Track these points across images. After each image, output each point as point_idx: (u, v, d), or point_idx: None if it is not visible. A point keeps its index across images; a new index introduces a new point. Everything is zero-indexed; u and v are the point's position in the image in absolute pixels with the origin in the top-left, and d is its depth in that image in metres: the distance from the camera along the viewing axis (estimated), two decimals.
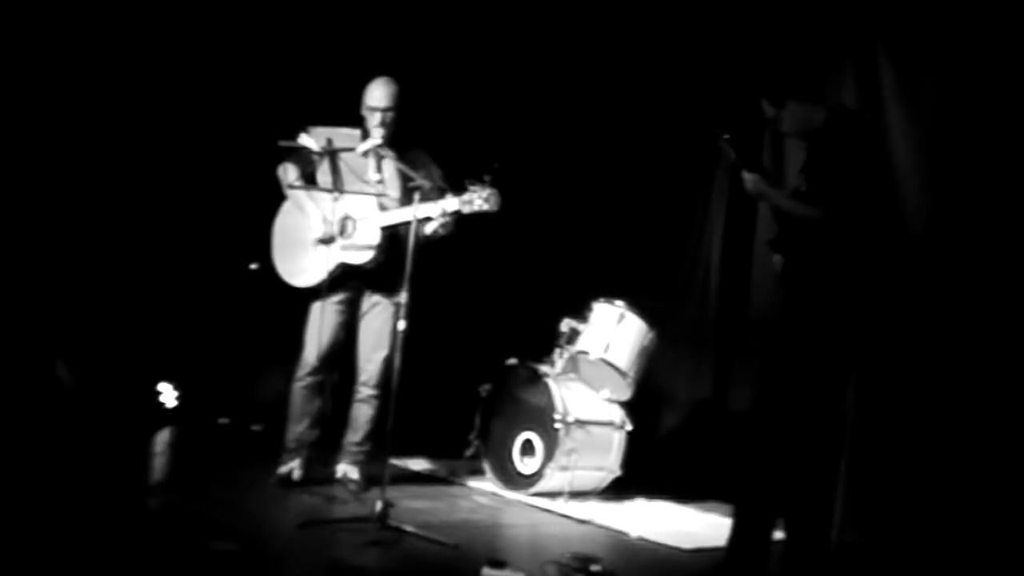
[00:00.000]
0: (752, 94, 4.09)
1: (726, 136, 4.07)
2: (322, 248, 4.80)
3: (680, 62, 6.29)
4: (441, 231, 4.69)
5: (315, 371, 4.91)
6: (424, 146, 4.96)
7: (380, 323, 4.91)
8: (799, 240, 3.86)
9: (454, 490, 5.37)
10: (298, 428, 4.92)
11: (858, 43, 5.29)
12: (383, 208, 4.79)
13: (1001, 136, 4.71)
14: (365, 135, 4.66)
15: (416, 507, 4.70)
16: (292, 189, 4.89)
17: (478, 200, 4.48)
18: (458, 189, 4.56)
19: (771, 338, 4.02)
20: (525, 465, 5.34)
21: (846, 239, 3.75)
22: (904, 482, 4.76)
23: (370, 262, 4.80)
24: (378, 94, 4.83)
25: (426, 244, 4.66)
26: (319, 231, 4.83)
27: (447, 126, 6.01)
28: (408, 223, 4.42)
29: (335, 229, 4.79)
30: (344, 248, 4.81)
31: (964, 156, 4.81)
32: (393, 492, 4.27)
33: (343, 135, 4.51)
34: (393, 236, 4.75)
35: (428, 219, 4.60)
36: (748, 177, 3.98)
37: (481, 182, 4.47)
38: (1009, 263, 4.62)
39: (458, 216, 4.59)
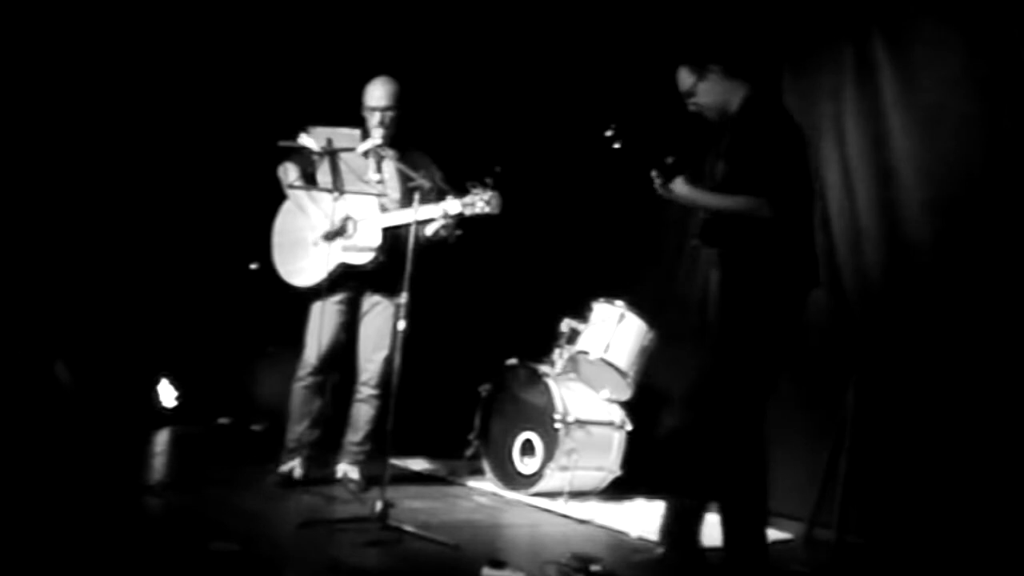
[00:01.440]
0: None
1: (610, 133, 4.04)
2: (326, 245, 4.79)
3: (678, 62, 6.28)
4: (442, 233, 4.69)
5: (315, 371, 4.91)
6: (425, 148, 4.97)
7: (381, 323, 4.91)
8: (732, 229, 3.83)
9: (454, 490, 5.37)
10: (298, 428, 4.92)
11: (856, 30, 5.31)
12: (384, 209, 4.79)
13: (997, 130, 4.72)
14: (365, 135, 4.66)
15: (416, 507, 4.70)
16: (292, 189, 4.90)
17: (480, 202, 4.48)
18: (460, 191, 4.56)
19: (701, 323, 4.00)
20: (525, 465, 5.34)
21: (777, 223, 3.71)
22: (904, 482, 4.75)
23: (371, 263, 4.80)
24: (378, 93, 4.83)
25: (427, 245, 4.67)
26: (323, 228, 4.82)
27: (449, 127, 6.02)
28: (409, 224, 4.42)
29: (338, 227, 4.79)
30: (345, 248, 4.81)
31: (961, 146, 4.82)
32: (393, 492, 4.27)
33: (343, 135, 4.51)
34: (394, 237, 4.75)
35: (429, 221, 4.60)
36: (676, 189, 3.95)
37: (483, 184, 4.48)
38: (1006, 259, 4.63)
39: (460, 218, 4.59)
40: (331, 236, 4.79)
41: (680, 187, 3.96)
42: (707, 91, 3.97)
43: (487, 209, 4.49)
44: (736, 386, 3.78)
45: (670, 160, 4.05)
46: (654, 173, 4.03)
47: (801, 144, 3.91)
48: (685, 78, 3.99)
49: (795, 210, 3.78)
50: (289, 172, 4.90)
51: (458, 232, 4.75)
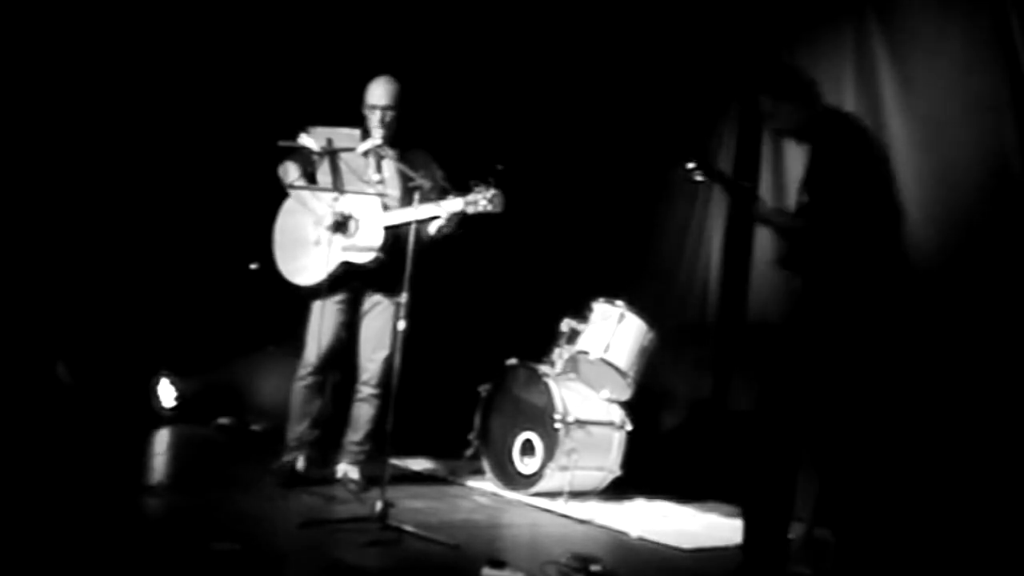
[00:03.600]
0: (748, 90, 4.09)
1: (693, 166, 4.06)
2: (327, 244, 4.79)
3: (679, 62, 6.30)
4: (445, 231, 4.69)
5: (316, 370, 4.91)
6: (427, 146, 4.96)
7: (381, 323, 4.91)
8: (806, 255, 3.85)
9: (454, 490, 5.37)
10: (299, 428, 4.92)
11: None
12: (385, 208, 4.80)
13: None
14: (365, 135, 4.66)
15: (416, 507, 4.70)
16: (293, 189, 4.90)
17: (482, 201, 4.48)
18: (462, 190, 4.56)
19: (778, 344, 4.00)
20: (525, 465, 5.34)
21: (842, 249, 3.74)
22: (897, 481, 4.76)
23: (372, 262, 4.80)
24: (378, 92, 4.83)
25: (429, 244, 4.67)
26: (329, 220, 4.80)
27: (450, 127, 6.02)
28: (410, 223, 4.42)
29: (342, 218, 4.79)
30: (346, 248, 4.82)
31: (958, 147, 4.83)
32: (393, 492, 4.27)
33: (343, 135, 4.51)
34: (395, 236, 4.75)
35: (432, 219, 4.60)
36: (758, 210, 4.01)
37: (485, 183, 4.47)
38: (999, 261, 4.64)
39: (462, 217, 4.59)
40: (337, 227, 4.78)
41: (761, 208, 4.04)
42: (782, 117, 3.99)
43: (490, 207, 4.49)
44: (789, 395, 3.79)
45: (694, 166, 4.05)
46: (691, 165, 4.04)
47: (869, 162, 3.88)
48: (764, 104, 4.01)
49: (866, 232, 3.78)
50: (289, 172, 4.90)
51: (460, 231, 4.74)
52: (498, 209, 4.50)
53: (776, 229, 4.10)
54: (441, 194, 4.65)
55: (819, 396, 3.81)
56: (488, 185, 4.48)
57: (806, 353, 3.80)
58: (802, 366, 3.80)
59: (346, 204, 4.76)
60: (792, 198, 5.04)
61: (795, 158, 5.22)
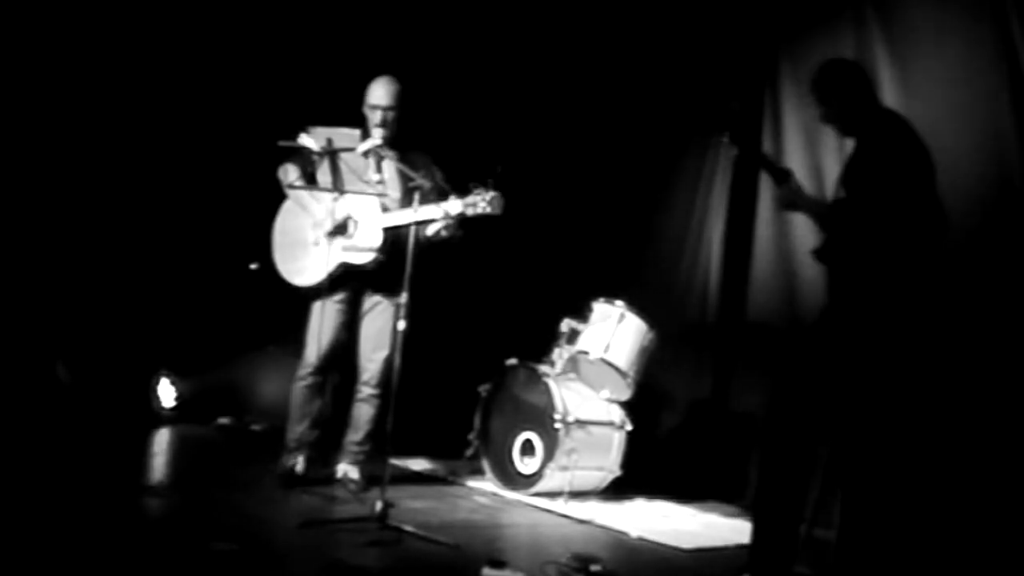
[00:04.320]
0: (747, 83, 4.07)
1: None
2: (326, 244, 4.79)
3: (679, 62, 6.30)
4: (444, 233, 4.69)
5: (316, 370, 4.91)
6: (427, 148, 4.96)
7: (381, 323, 4.91)
8: (844, 247, 3.83)
9: (454, 490, 5.37)
10: (298, 428, 4.92)
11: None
12: (384, 209, 4.80)
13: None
14: (365, 135, 4.66)
15: (416, 507, 4.70)
16: (292, 189, 4.90)
17: (481, 203, 4.48)
18: (461, 191, 4.56)
19: (810, 342, 3.97)
20: (525, 465, 5.34)
21: (884, 244, 3.71)
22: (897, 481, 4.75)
23: (371, 263, 4.80)
24: (379, 92, 4.84)
25: (428, 245, 4.67)
26: (326, 225, 4.81)
27: (450, 128, 6.02)
28: (410, 224, 4.42)
29: (340, 222, 4.80)
30: (346, 248, 4.82)
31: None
32: (393, 492, 4.27)
33: (343, 135, 4.51)
34: (395, 237, 4.75)
35: (431, 221, 4.60)
36: (781, 191, 3.98)
37: (484, 185, 4.47)
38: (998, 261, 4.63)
39: (461, 218, 4.59)
40: (335, 232, 4.78)
41: (783, 192, 3.99)
42: (827, 114, 3.99)
43: (489, 209, 4.49)
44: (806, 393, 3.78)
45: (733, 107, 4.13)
46: (722, 126, 4.07)
47: (916, 169, 3.84)
48: (815, 97, 4.01)
49: (904, 235, 3.75)
50: (289, 172, 4.90)
51: (460, 232, 4.74)
52: (497, 211, 4.49)
53: (812, 217, 4.05)
54: (440, 196, 4.65)
55: (843, 395, 3.79)
56: (487, 187, 4.47)
57: (833, 351, 3.78)
58: (828, 364, 3.78)
59: (344, 208, 4.76)
60: (828, 190, 5.10)
61: (830, 152, 5.21)
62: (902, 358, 3.79)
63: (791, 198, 4.01)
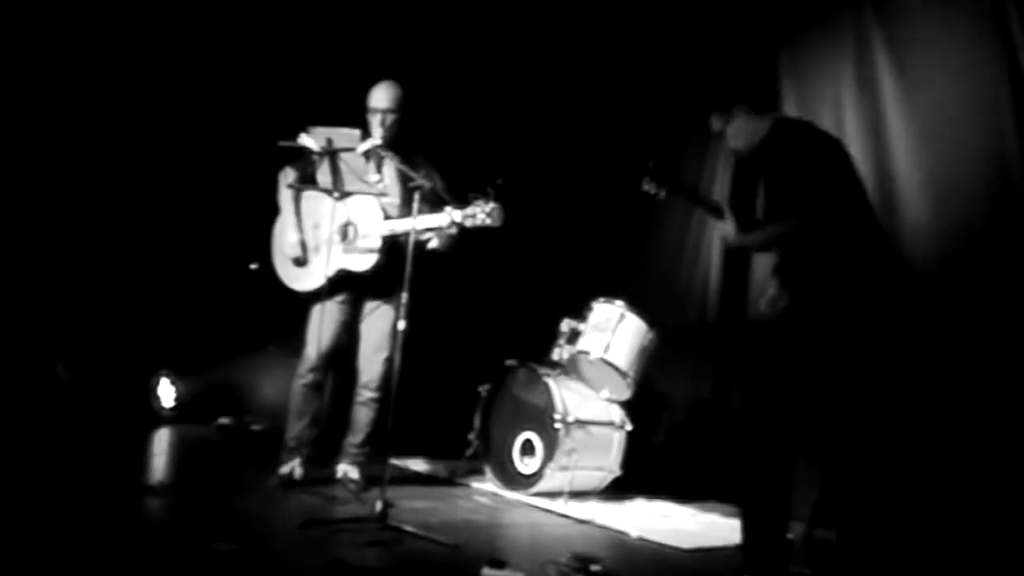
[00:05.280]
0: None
1: (653, 168, 4.11)
2: (326, 250, 4.81)
3: (678, 62, 6.30)
4: (442, 248, 4.69)
5: (316, 369, 4.91)
6: (428, 154, 4.96)
7: (382, 326, 4.91)
8: (784, 261, 3.88)
9: (454, 490, 5.37)
10: (297, 426, 4.92)
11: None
12: (384, 212, 4.80)
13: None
14: (366, 137, 4.66)
15: (416, 507, 4.70)
16: (291, 189, 4.91)
17: (480, 214, 4.46)
18: (461, 201, 4.54)
19: (770, 341, 3.99)
20: (525, 465, 5.34)
21: (826, 238, 3.73)
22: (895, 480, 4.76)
23: (371, 268, 4.81)
24: (379, 96, 4.85)
25: (424, 251, 4.67)
26: (294, 252, 4.89)
27: (451, 129, 6.03)
28: (408, 232, 4.43)
29: (309, 249, 4.89)
30: (345, 252, 4.82)
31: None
32: (393, 492, 4.27)
33: (343, 135, 4.51)
34: (393, 242, 4.76)
35: (429, 230, 4.60)
36: (723, 230, 4.04)
37: (484, 196, 4.46)
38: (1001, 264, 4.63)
39: (460, 230, 4.57)
40: (298, 263, 4.88)
41: (725, 230, 4.05)
42: (736, 133, 3.99)
43: (488, 221, 4.46)
44: (780, 389, 3.79)
45: (653, 163, 4.13)
46: (646, 180, 4.14)
47: (830, 155, 3.87)
48: (715, 123, 4.03)
49: (839, 223, 3.76)
50: (288, 176, 4.93)
51: (454, 243, 4.72)
52: (497, 223, 4.47)
53: (749, 248, 4.12)
54: (439, 204, 4.63)
55: (814, 394, 3.80)
56: (487, 198, 4.46)
57: (794, 352, 3.79)
58: (791, 366, 3.79)
59: (344, 212, 4.75)
60: None
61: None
62: (855, 348, 3.79)
63: (735, 239, 4.06)
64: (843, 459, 3.96)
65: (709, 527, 5.10)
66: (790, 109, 5.68)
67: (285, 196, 4.97)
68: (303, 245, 4.92)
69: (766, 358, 3.92)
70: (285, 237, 4.97)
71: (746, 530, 3.81)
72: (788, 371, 3.80)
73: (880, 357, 3.90)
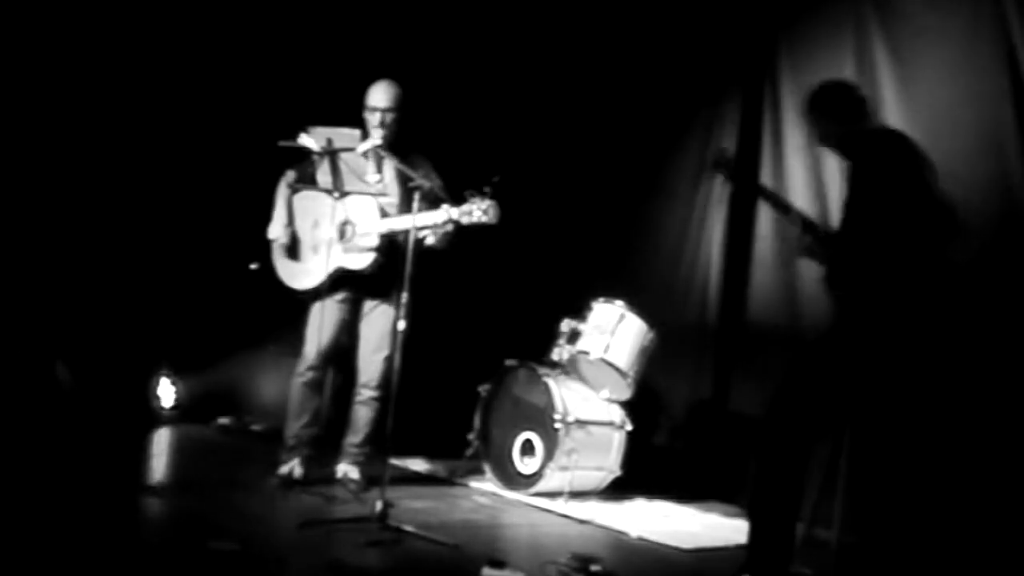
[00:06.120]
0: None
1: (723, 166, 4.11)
2: (325, 249, 4.81)
3: (677, 60, 6.30)
4: (439, 245, 4.69)
5: (315, 367, 4.91)
6: (426, 152, 4.96)
7: (381, 325, 4.91)
8: (847, 275, 3.86)
9: (454, 490, 5.37)
10: (296, 425, 4.92)
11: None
12: (383, 210, 4.80)
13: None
14: (365, 137, 4.66)
15: (416, 507, 4.70)
16: (291, 189, 4.92)
17: (477, 212, 4.46)
18: (458, 199, 4.54)
19: (815, 346, 3.97)
20: (525, 465, 5.34)
21: (882, 268, 3.74)
22: (904, 482, 4.75)
23: (369, 267, 4.81)
24: (378, 95, 4.85)
25: (421, 251, 4.67)
26: (277, 237, 4.94)
27: (448, 128, 6.02)
28: (406, 230, 4.42)
29: (306, 247, 4.90)
30: (345, 251, 4.82)
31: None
32: (393, 492, 4.27)
33: (343, 135, 4.52)
34: (392, 241, 4.76)
35: (426, 228, 4.60)
36: (799, 242, 4.08)
37: (481, 193, 4.46)
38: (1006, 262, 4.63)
39: (456, 227, 4.57)
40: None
41: (801, 244, 4.10)
42: (823, 136, 4.07)
43: (484, 219, 4.46)
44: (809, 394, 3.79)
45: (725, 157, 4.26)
46: (719, 170, 4.32)
47: (898, 168, 3.84)
48: (807, 125, 4.14)
49: (905, 249, 3.77)
50: (288, 177, 4.95)
51: (450, 242, 4.72)
52: (493, 220, 4.47)
53: (818, 259, 4.09)
54: (436, 203, 4.63)
55: (860, 401, 3.79)
56: (483, 196, 4.46)
57: (845, 362, 3.78)
58: (838, 371, 3.78)
59: (342, 211, 4.75)
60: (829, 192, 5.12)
61: (832, 171, 5.22)
62: (922, 366, 3.82)
63: (809, 247, 4.08)
64: (883, 464, 3.96)
65: (709, 527, 5.10)
66: (788, 101, 5.69)
67: (281, 192, 4.98)
68: (294, 237, 4.91)
69: (809, 362, 3.89)
70: (300, 223, 4.95)
71: (754, 530, 3.80)
72: (834, 377, 3.78)
73: (926, 366, 3.92)
